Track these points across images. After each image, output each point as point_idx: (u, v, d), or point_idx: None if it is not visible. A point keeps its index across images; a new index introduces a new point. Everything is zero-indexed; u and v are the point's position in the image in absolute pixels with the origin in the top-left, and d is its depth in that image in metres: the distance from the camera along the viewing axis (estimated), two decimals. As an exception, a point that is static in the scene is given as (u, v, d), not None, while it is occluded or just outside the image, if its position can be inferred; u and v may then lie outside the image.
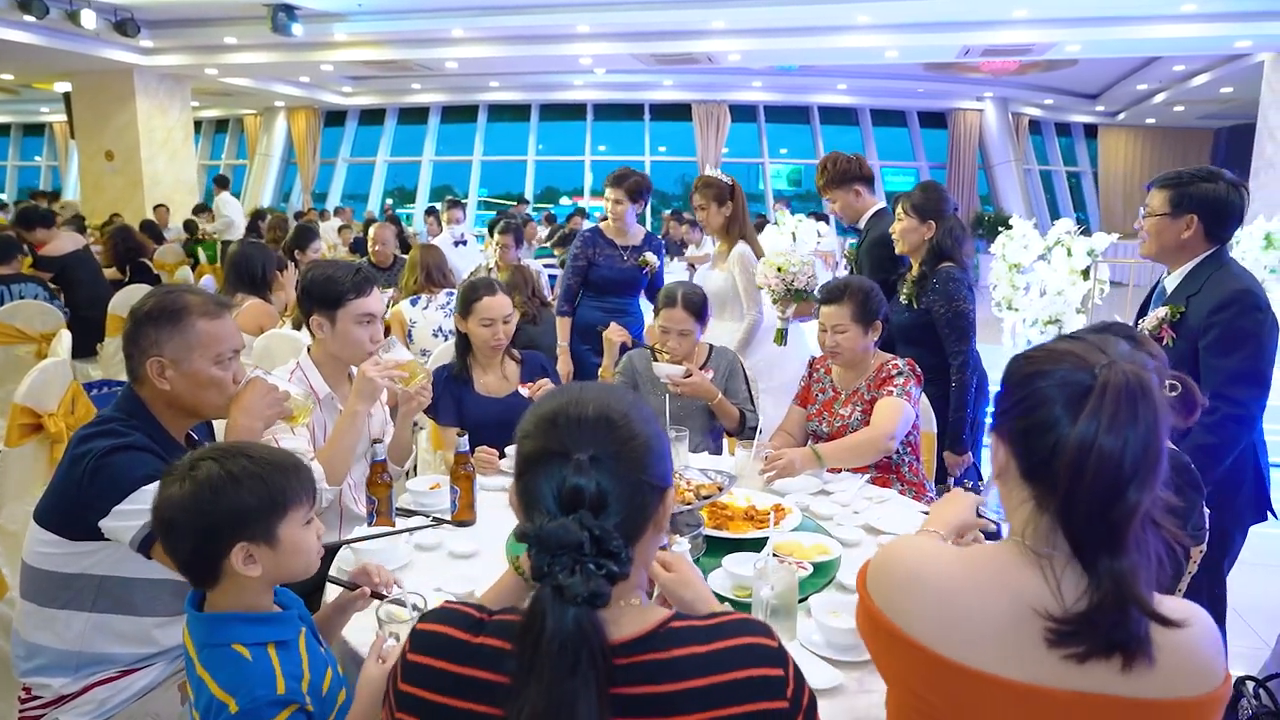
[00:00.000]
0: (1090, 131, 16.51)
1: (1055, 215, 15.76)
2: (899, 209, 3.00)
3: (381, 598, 1.46)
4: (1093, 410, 0.96)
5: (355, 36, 9.80)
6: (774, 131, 15.06)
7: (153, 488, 1.50)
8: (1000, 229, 14.38)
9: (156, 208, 10.37)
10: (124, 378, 5.17)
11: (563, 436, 0.96)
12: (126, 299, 5.22)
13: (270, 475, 1.24)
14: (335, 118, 15.68)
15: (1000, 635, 0.99)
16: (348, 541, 1.83)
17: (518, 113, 15.16)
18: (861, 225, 3.43)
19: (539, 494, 0.95)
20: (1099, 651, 0.95)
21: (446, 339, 3.93)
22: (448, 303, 4.32)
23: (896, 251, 3.05)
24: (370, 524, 1.96)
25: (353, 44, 10.06)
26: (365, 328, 2.22)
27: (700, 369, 2.81)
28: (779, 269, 3.21)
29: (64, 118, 12.57)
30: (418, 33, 9.62)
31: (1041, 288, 5.29)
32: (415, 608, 1.42)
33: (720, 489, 1.91)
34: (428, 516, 2.03)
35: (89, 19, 8.88)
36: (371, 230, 5.63)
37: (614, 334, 3.21)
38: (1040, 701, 0.98)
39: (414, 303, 4.08)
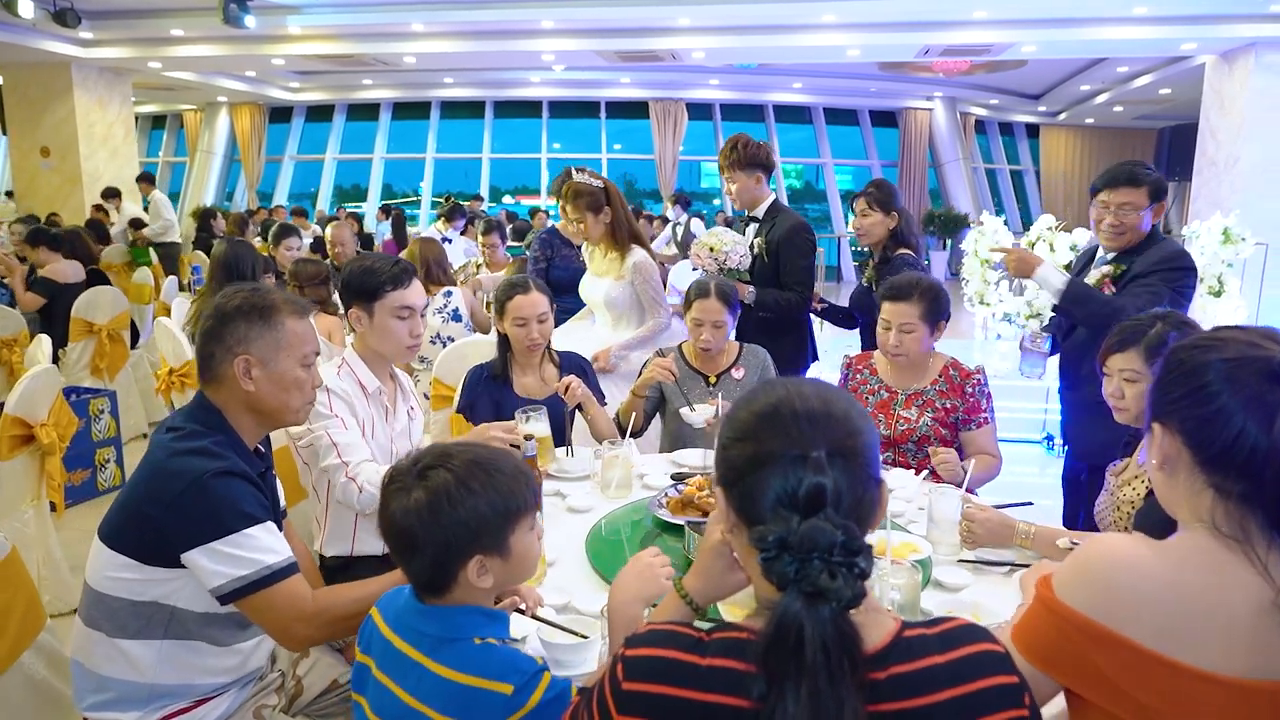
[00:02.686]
0: (1032, 131, 16.99)
1: (1000, 213, 16.20)
2: (860, 204, 3.30)
3: (521, 613, 1.39)
4: None
5: (309, 30, 9.50)
6: (730, 129, 15.10)
7: (258, 533, 1.43)
8: (952, 226, 14.76)
9: (97, 206, 9.89)
10: (91, 384, 4.90)
11: (794, 435, 0.91)
12: (90, 302, 4.97)
13: (503, 483, 1.18)
14: (281, 114, 15.20)
15: (1227, 631, 0.97)
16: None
17: (472, 110, 14.92)
18: (759, 213, 3.46)
19: (769, 497, 0.90)
20: None
21: (445, 345, 3.81)
22: (445, 304, 4.20)
23: (863, 244, 3.39)
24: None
25: (307, 37, 9.75)
26: (404, 321, 2.15)
27: (731, 367, 2.77)
28: (711, 248, 3.27)
29: (-8, 112, 11.92)
30: (376, 26, 9.36)
31: (1020, 283, 5.37)
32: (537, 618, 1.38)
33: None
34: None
35: (26, 8, 8.38)
36: (329, 230, 5.44)
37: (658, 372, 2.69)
38: (1264, 697, 0.96)
39: (413, 304, 3.95)
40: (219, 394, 1.59)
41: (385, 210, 11.22)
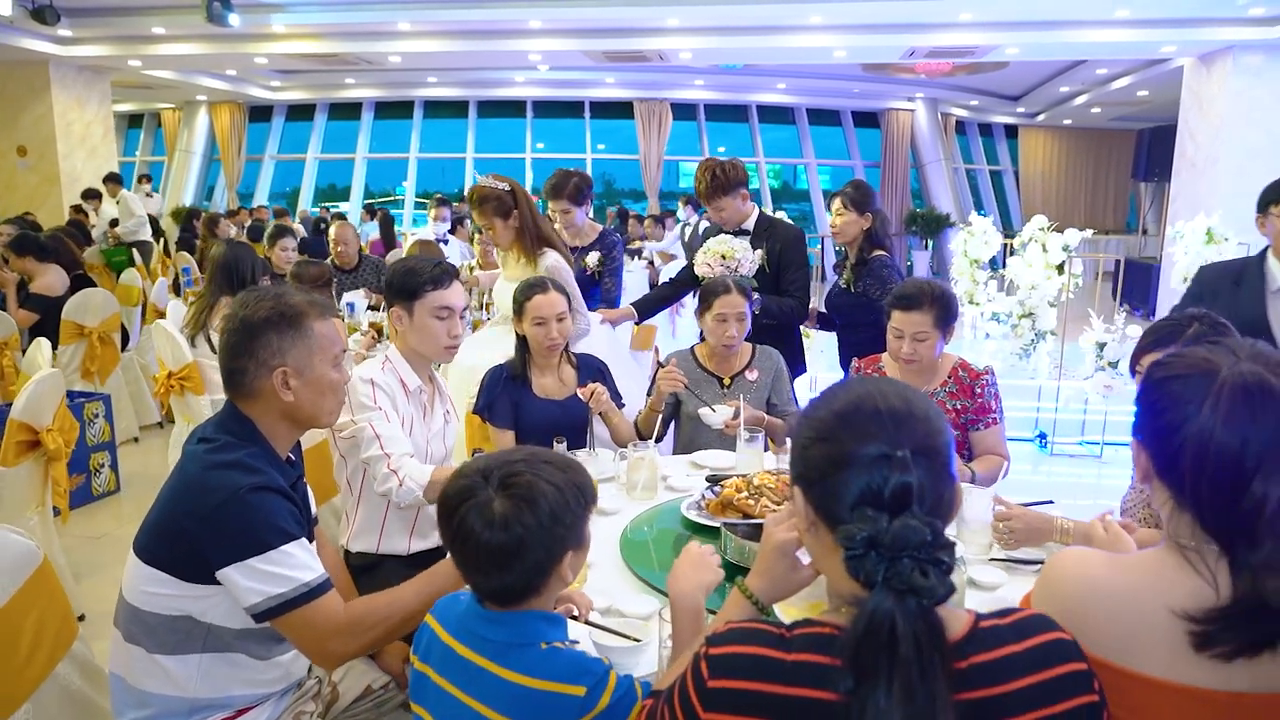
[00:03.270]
0: (1011, 132, 17.16)
1: (981, 212, 16.35)
2: (836, 204, 3.37)
3: (574, 619, 1.40)
4: (1211, 406, 0.99)
5: (294, 28, 9.41)
6: (714, 130, 15.16)
7: (294, 550, 1.41)
8: (934, 226, 14.87)
9: (76, 207, 9.73)
10: (82, 387, 4.82)
11: (879, 433, 0.92)
12: (81, 305, 4.90)
13: (574, 474, 1.20)
14: (261, 113, 15.03)
15: (1161, 639, 1.00)
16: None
17: (455, 109, 14.84)
18: (749, 226, 3.45)
19: (853, 496, 0.91)
20: (1245, 650, 0.96)
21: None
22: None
23: (837, 243, 3.44)
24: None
25: (291, 36, 9.66)
26: (442, 322, 2.16)
27: (745, 369, 2.78)
28: (724, 255, 3.19)
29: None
30: (362, 25, 9.29)
31: (1012, 283, 5.44)
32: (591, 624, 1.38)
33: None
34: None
35: (4, 5, 8.25)
36: (332, 229, 5.40)
37: (667, 383, 2.66)
38: (1200, 703, 0.99)
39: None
40: (253, 406, 1.55)
41: (370, 210, 11.14)
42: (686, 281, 3.66)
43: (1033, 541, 1.86)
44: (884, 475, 0.90)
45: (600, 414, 2.54)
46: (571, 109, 14.72)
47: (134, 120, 15.83)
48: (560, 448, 2.14)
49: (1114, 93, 12.85)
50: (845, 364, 3.58)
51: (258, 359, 1.53)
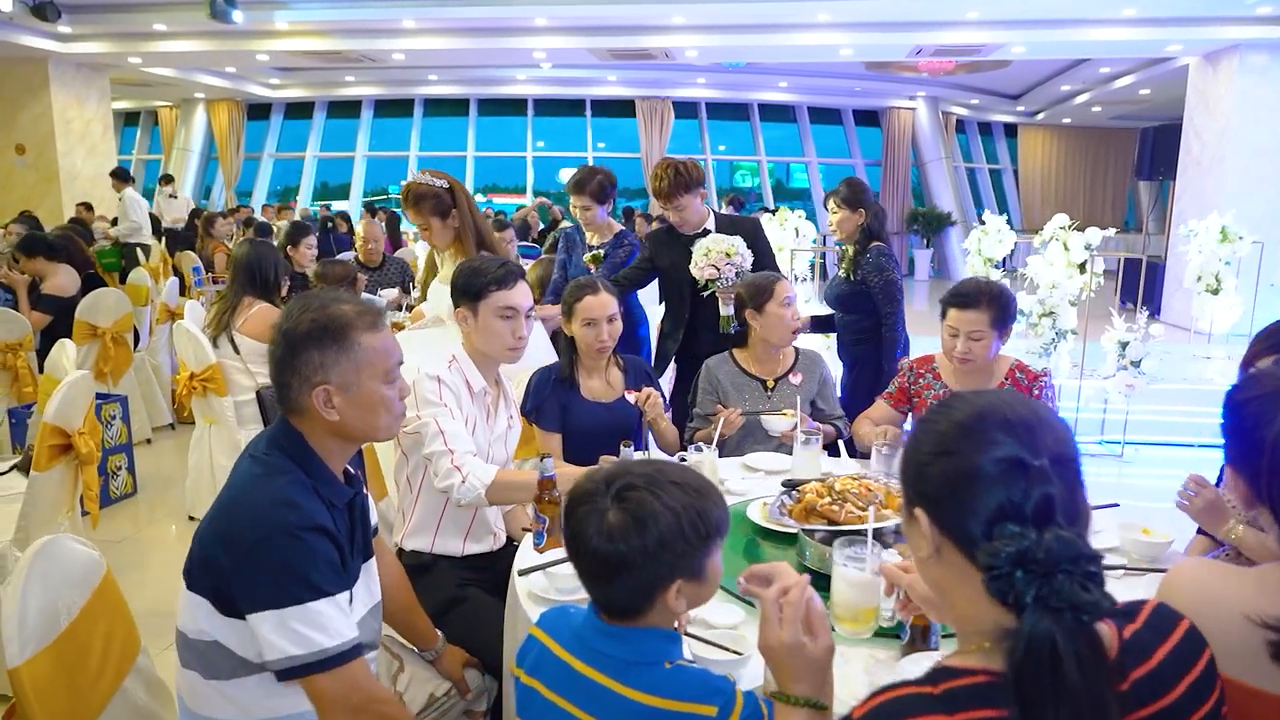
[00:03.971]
0: (1010, 130, 17.19)
1: (981, 212, 16.38)
2: (831, 204, 3.46)
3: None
4: None
5: (297, 25, 9.33)
6: (715, 128, 15.12)
7: (323, 608, 1.31)
8: (935, 225, 14.86)
9: (85, 205, 9.63)
10: (95, 388, 4.74)
11: (1010, 443, 0.87)
12: (94, 305, 4.83)
13: (701, 503, 1.13)
14: (260, 110, 14.93)
15: (1253, 650, 1.01)
16: (540, 566, 1.68)
17: (455, 107, 14.77)
18: (710, 227, 3.35)
19: (989, 511, 0.85)
20: None
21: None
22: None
23: (835, 239, 3.52)
24: (539, 545, 1.82)
25: (295, 33, 9.59)
26: (507, 321, 2.12)
27: (788, 373, 2.75)
28: (728, 254, 3.05)
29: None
30: (366, 22, 9.22)
31: (1032, 281, 5.42)
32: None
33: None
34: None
35: (4, 1, 8.17)
36: (360, 227, 5.34)
37: (730, 429, 2.54)
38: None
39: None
40: (301, 422, 1.48)
41: (370, 209, 11.08)
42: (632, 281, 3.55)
43: (1206, 521, 1.82)
44: (1023, 487, 0.85)
45: (649, 419, 2.50)
46: (572, 107, 14.67)
47: (130, 118, 15.70)
48: (626, 452, 2.10)
49: (1116, 91, 12.87)
50: (844, 353, 3.60)
51: (300, 375, 1.44)
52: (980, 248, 6.81)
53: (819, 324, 3.76)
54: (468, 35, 9.56)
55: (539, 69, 12.36)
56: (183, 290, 6.90)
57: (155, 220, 10.47)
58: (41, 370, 4.66)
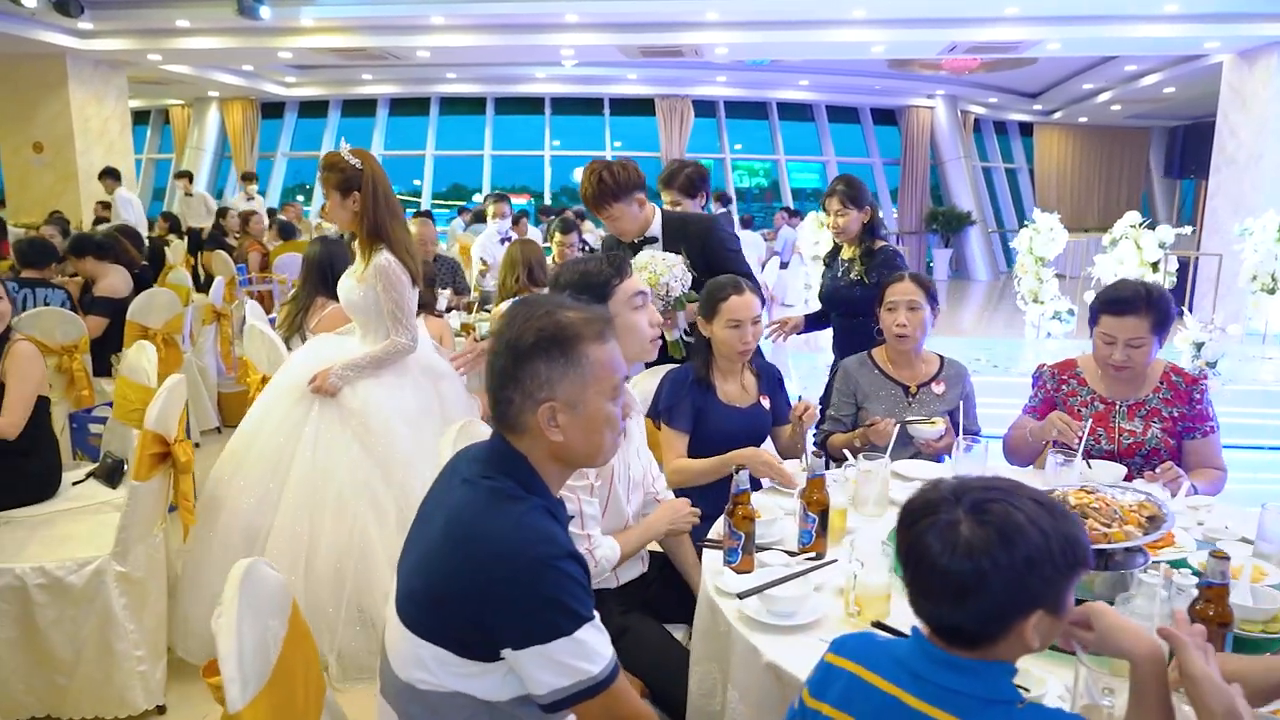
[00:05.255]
0: (1025, 129, 17.11)
1: (997, 211, 16.31)
2: (834, 204, 3.32)
3: None
4: None
5: (323, 22, 9.17)
6: (734, 127, 15.01)
7: (585, 635, 1.22)
8: (954, 224, 14.76)
9: (104, 204, 9.46)
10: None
11: None
12: (145, 306, 4.68)
13: (1070, 529, 1.01)
14: (273, 109, 14.76)
15: None
16: (762, 587, 1.54)
17: (472, 106, 14.62)
18: (654, 233, 3.03)
19: None
20: None
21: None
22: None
23: (838, 240, 3.42)
24: (733, 563, 1.69)
25: (320, 30, 9.43)
26: (640, 311, 1.98)
27: (932, 380, 2.62)
28: (649, 281, 2.66)
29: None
30: (394, 19, 9.07)
31: (1099, 282, 5.31)
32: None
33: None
34: (792, 553, 1.77)
35: (30, -3, 8.01)
36: (414, 227, 5.19)
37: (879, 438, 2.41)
38: None
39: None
40: (521, 441, 1.35)
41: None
42: None
43: None
44: None
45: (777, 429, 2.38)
46: (590, 105, 14.53)
47: (140, 117, 15.50)
48: (742, 476, 1.95)
49: (1140, 90, 12.78)
50: (844, 352, 3.30)
51: (524, 389, 1.32)
52: (1032, 246, 6.71)
53: (810, 322, 3.61)
54: (496, 32, 9.42)
55: (559, 67, 12.23)
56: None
57: (174, 219, 10.32)
58: (96, 374, 4.53)
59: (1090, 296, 5.88)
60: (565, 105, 14.67)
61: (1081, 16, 8.72)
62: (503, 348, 1.33)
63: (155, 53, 10.11)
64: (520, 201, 15.01)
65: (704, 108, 14.46)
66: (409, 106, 14.62)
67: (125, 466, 3.11)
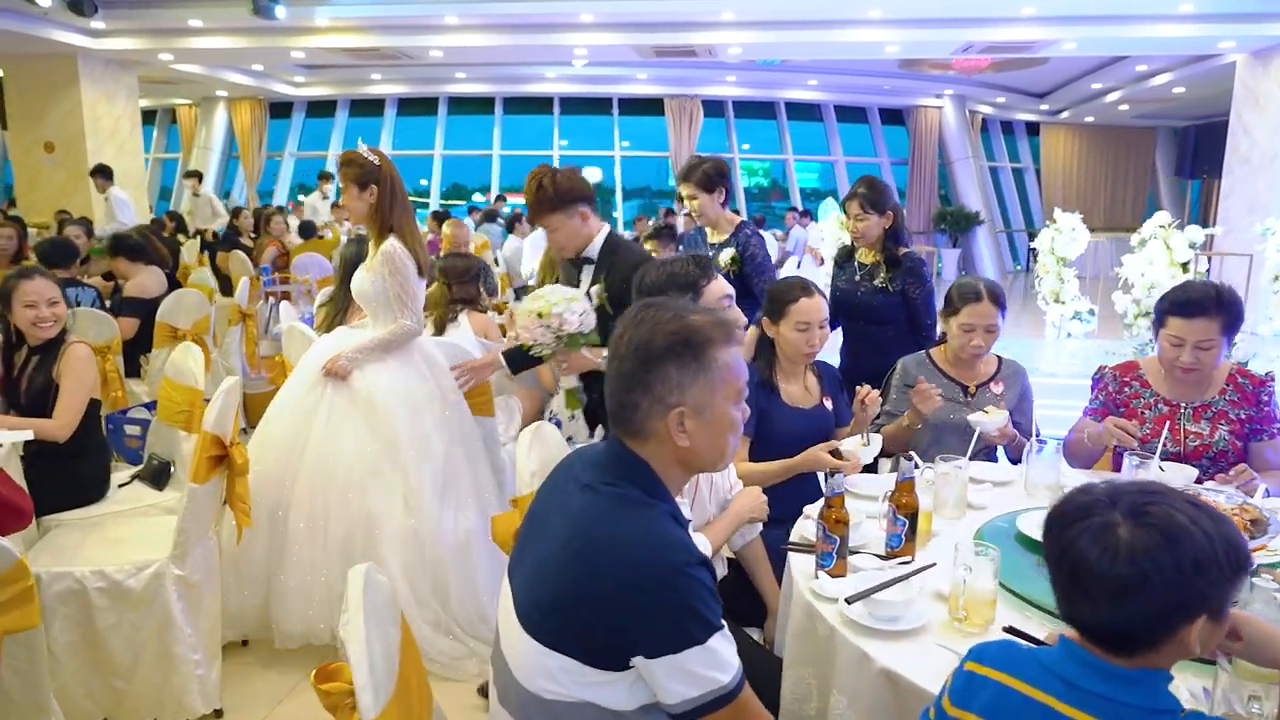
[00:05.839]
0: (1032, 129, 17.12)
1: (1004, 211, 16.31)
2: (854, 208, 3.18)
3: None
4: None
5: (338, 21, 9.16)
6: (743, 127, 15.00)
7: (716, 645, 1.20)
8: (963, 224, 14.74)
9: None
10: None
11: None
12: (175, 306, 4.66)
13: (1235, 536, 1.00)
14: (281, 109, 14.73)
15: None
16: (868, 592, 1.52)
17: (480, 105, 14.60)
18: (592, 253, 2.77)
19: None
20: None
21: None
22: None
23: (857, 244, 3.26)
24: (828, 567, 1.67)
25: (334, 29, 9.41)
26: (727, 312, 2.00)
27: (990, 380, 2.61)
28: (540, 314, 2.49)
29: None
30: (408, 19, 9.05)
31: (1126, 281, 5.31)
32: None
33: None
34: (882, 557, 1.76)
35: (43, -4, 7.99)
36: (445, 229, 5.18)
37: (925, 403, 2.41)
38: None
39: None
40: (644, 447, 1.33)
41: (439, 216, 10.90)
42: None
43: None
44: None
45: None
46: (599, 105, 14.51)
47: (146, 116, 15.44)
48: (837, 480, 1.94)
49: (1149, 89, 12.78)
50: (855, 359, 3.32)
51: (653, 394, 1.29)
52: (1054, 246, 6.71)
53: None
54: (510, 31, 9.40)
55: (569, 67, 12.21)
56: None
57: (179, 218, 10.29)
58: (125, 375, 4.51)
59: (1119, 297, 5.89)
60: (574, 105, 14.65)
61: (1097, 16, 8.71)
62: (630, 351, 1.31)
63: (167, 52, 10.09)
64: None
65: (712, 107, 14.44)
66: (417, 106, 14.60)
67: (171, 469, 3.10)
